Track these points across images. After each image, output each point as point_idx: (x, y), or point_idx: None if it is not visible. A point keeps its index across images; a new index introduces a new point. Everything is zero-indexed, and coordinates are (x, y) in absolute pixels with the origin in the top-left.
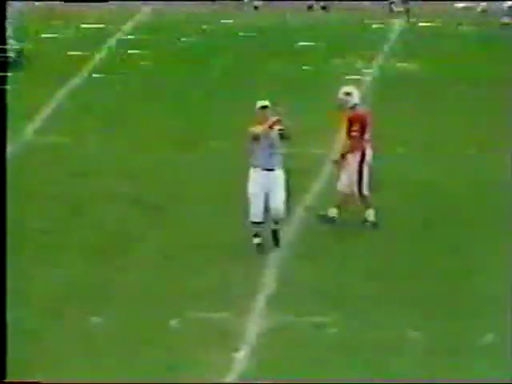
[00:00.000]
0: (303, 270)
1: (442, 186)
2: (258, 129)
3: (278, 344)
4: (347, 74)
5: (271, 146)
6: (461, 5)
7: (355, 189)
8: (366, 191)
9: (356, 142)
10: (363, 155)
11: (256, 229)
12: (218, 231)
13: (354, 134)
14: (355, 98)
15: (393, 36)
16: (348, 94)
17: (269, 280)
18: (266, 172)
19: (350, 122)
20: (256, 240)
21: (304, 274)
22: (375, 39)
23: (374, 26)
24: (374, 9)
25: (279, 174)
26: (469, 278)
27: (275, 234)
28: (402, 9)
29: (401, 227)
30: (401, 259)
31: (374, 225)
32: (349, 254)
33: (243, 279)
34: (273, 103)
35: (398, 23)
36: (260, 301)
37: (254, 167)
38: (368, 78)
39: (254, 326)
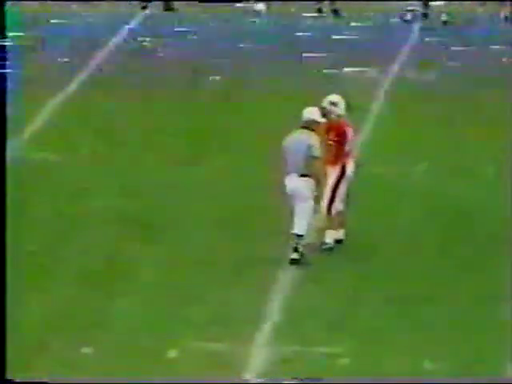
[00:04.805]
0: (311, 295)
1: (463, 203)
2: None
3: (285, 376)
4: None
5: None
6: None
7: (324, 205)
8: (340, 207)
9: (333, 153)
10: (343, 169)
11: None
12: (220, 254)
13: (330, 142)
14: (340, 108)
15: (410, 39)
16: (333, 103)
17: (274, 306)
18: None
19: (327, 131)
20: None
21: (312, 300)
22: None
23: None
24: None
25: None
26: (493, 303)
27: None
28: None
29: (419, 247)
30: (418, 282)
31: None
32: (361, 277)
33: (247, 305)
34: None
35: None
36: (265, 329)
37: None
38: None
39: (258, 356)
